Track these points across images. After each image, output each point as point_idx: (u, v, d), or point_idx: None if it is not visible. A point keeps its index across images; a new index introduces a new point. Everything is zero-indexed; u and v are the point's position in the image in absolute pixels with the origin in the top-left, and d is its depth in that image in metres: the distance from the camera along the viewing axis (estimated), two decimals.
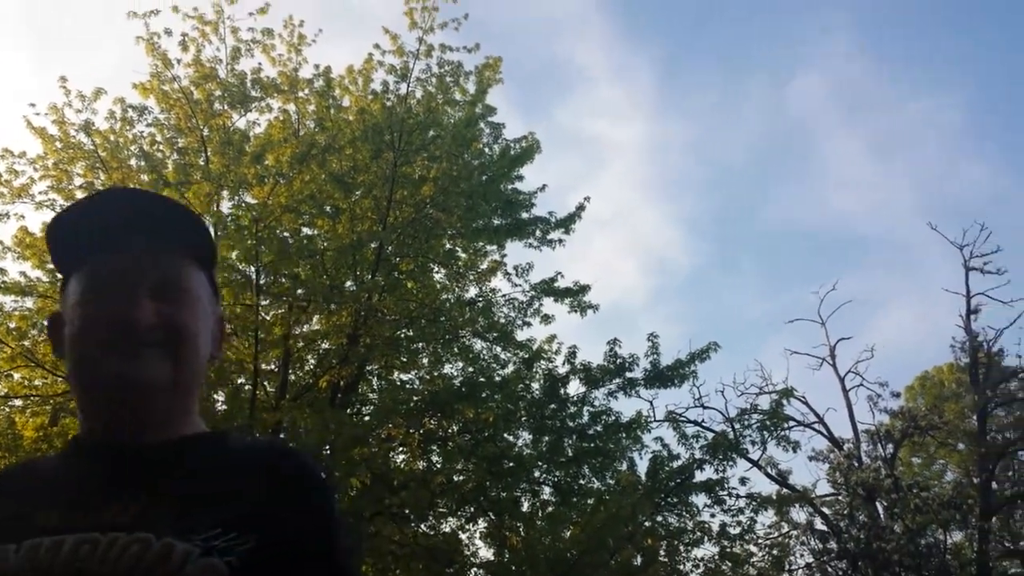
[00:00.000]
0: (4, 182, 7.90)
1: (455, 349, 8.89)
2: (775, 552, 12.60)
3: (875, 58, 33.45)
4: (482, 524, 8.73)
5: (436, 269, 9.32)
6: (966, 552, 15.64)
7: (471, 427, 8.35)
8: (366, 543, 7.48)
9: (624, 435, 8.92)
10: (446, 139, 8.86)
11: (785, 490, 14.62)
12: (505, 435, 8.52)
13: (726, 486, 9.28)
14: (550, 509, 8.75)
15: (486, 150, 9.47)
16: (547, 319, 9.28)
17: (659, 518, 9.42)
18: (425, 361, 8.99)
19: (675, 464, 9.25)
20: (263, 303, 8.06)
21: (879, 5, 32.26)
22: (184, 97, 8.32)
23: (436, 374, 8.98)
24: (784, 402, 11.76)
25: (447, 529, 8.61)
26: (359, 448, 7.55)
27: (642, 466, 9.32)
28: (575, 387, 8.96)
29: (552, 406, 8.72)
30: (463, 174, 8.80)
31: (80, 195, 8.04)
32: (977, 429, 16.17)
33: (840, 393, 17.54)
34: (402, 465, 8.54)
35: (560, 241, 9.40)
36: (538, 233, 9.35)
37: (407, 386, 8.89)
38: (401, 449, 8.48)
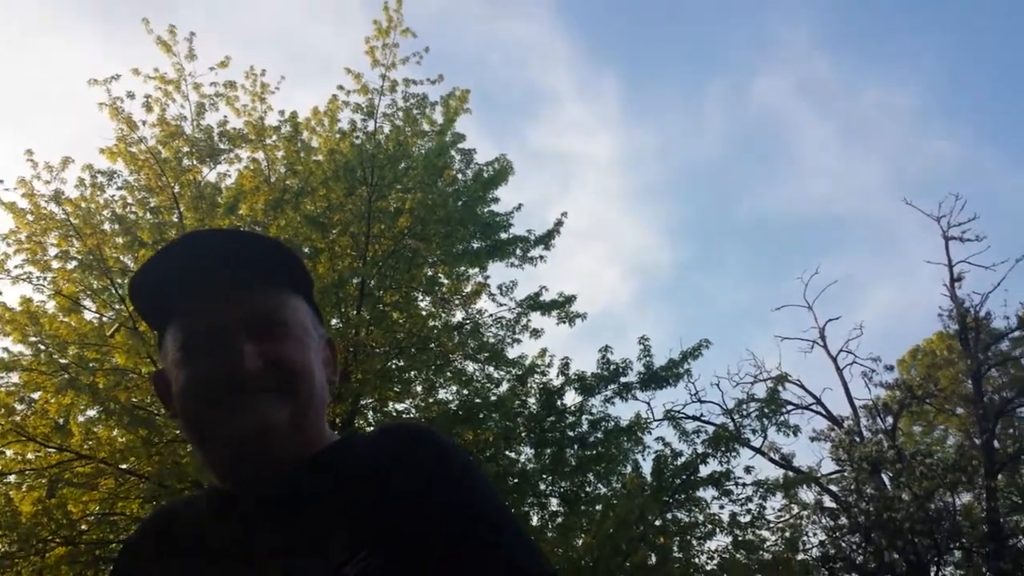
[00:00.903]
0: None
1: (448, 374, 8.90)
2: (788, 535, 12.60)
3: (835, 48, 33.83)
4: None
5: (421, 297, 9.33)
6: (976, 512, 15.76)
7: (472, 449, 8.36)
8: None
9: (625, 439, 8.95)
10: (417, 170, 8.90)
11: (791, 473, 14.67)
12: (507, 453, 8.54)
13: (732, 477, 9.33)
14: (559, 520, 8.76)
15: (459, 176, 9.52)
16: (536, 333, 9.30)
17: (669, 516, 9.45)
18: (419, 389, 9.00)
19: (679, 461, 9.29)
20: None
21: None
22: (152, 157, 8.31)
23: (431, 401, 8.98)
24: (780, 388, 11.86)
25: None
26: None
27: (646, 467, 9.36)
28: (571, 397, 9.00)
29: (550, 419, 8.74)
30: (438, 202, 8.83)
31: (56, 265, 8.03)
32: (973, 392, 16.31)
33: (834, 372, 17.71)
34: None
35: (541, 257, 9.44)
36: (519, 252, 9.38)
37: (404, 416, 8.89)
38: None
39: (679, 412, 11.35)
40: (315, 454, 1.01)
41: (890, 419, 16.53)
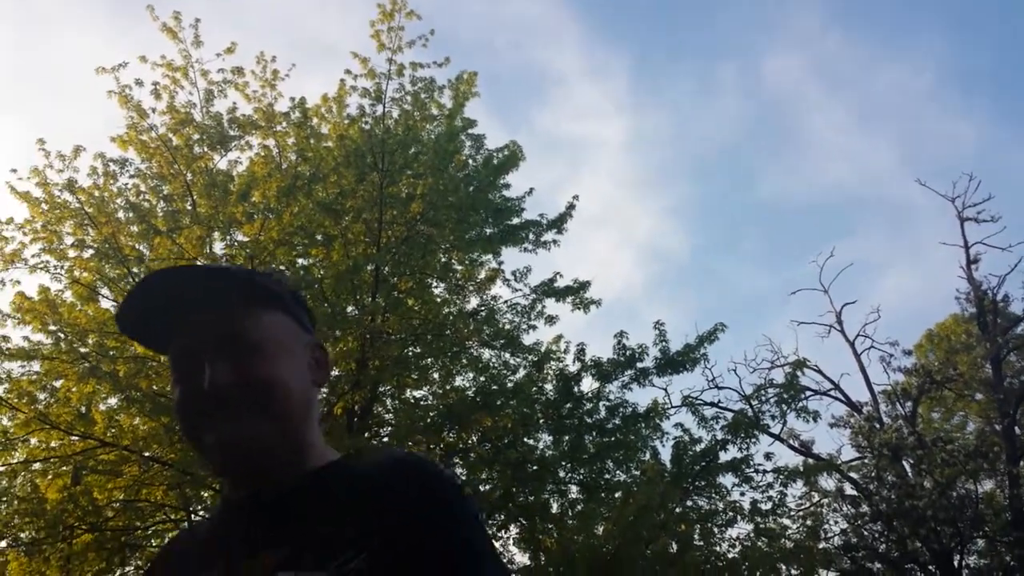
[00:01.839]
0: None
1: (464, 360, 8.88)
2: (809, 522, 12.52)
3: (847, 27, 33.59)
4: (514, 530, 8.70)
5: (435, 284, 9.32)
6: (998, 499, 15.59)
7: (490, 436, 8.33)
8: None
9: (643, 425, 8.91)
10: (428, 155, 8.88)
11: (810, 460, 14.56)
12: (525, 439, 8.50)
13: (751, 463, 9.27)
14: (579, 507, 8.71)
15: (470, 162, 9.50)
16: (551, 320, 9.28)
17: (689, 503, 9.39)
18: (436, 376, 8.98)
19: (698, 448, 9.24)
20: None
21: None
22: (163, 145, 8.34)
23: (449, 387, 8.96)
24: (798, 373, 11.76)
25: None
26: None
27: (665, 453, 9.31)
28: (588, 384, 8.96)
29: (568, 405, 8.71)
30: (450, 187, 8.82)
31: (72, 253, 8.06)
32: (992, 377, 16.14)
33: (852, 357, 17.56)
34: None
35: (554, 242, 9.42)
36: (531, 237, 9.37)
37: (422, 403, 8.87)
38: None
39: (696, 398, 11.31)
40: (317, 469, 1.10)
41: (910, 405, 16.37)
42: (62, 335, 7.62)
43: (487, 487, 8.17)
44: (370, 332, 7.85)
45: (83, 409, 7.50)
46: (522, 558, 8.97)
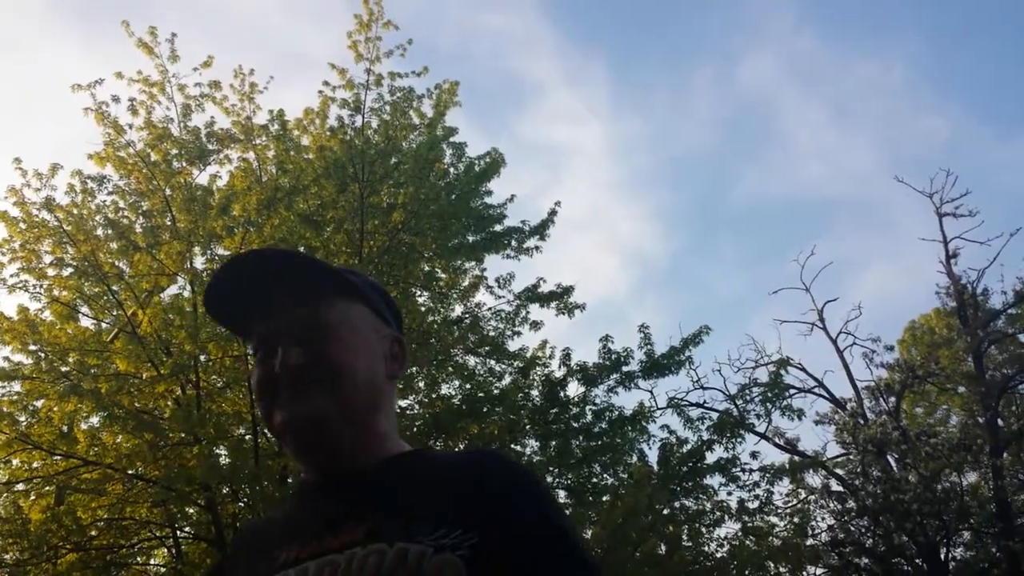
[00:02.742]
0: None
1: (449, 368, 8.89)
2: (796, 520, 12.59)
3: (820, 26, 33.83)
4: None
5: (418, 293, 9.32)
6: (983, 491, 15.74)
7: (477, 443, 8.33)
8: None
9: (630, 428, 8.94)
10: (409, 164, 8.88)
11: (796, 457, 14.63)
12: (512, 446, 8.51)
13: (738, 463, 9.31)
14: (568, 512, 8.73)
15: (451, 170, 9.50)
16: (536, 325, 9.30)
17: (677, 504, 9.43)
18: (421, 385, 8.98)
19: (685, 449, 9.28)
20: (251, 352, 8.01)
21: None
22: (141, 160, 8.30)
23: (434, 396, 8.96)
24: (782, 372, 11.83)
25: None
26: None
27: (652, 456, 9.34)
28: (574, 388, 8.99)
29: (554, 410, 8.73)
30: (431, 196, 8.82)
31: (51, 272, 8.00)
32: (974, 370, 16.30)
33: (835, 354, 17.65)
34: None
35: (537, 248, 9.44)
36: (514, 243, 9.38)
37: (408, 412, 8.86)
38: None
39: (682, 400, 11.35)
40: (394, 455, 1.13)
41: (893, 400, 16.49)
42: (42, 354, 7.56)
43: None
44: None
45: (65, 428, 7.45)
46: None
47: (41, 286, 7.92)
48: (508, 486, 1.04)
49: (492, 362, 9.13)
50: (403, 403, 9.11)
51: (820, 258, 31.75)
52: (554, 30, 35.73)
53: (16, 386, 7.46)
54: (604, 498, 8.85)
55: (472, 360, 9.05)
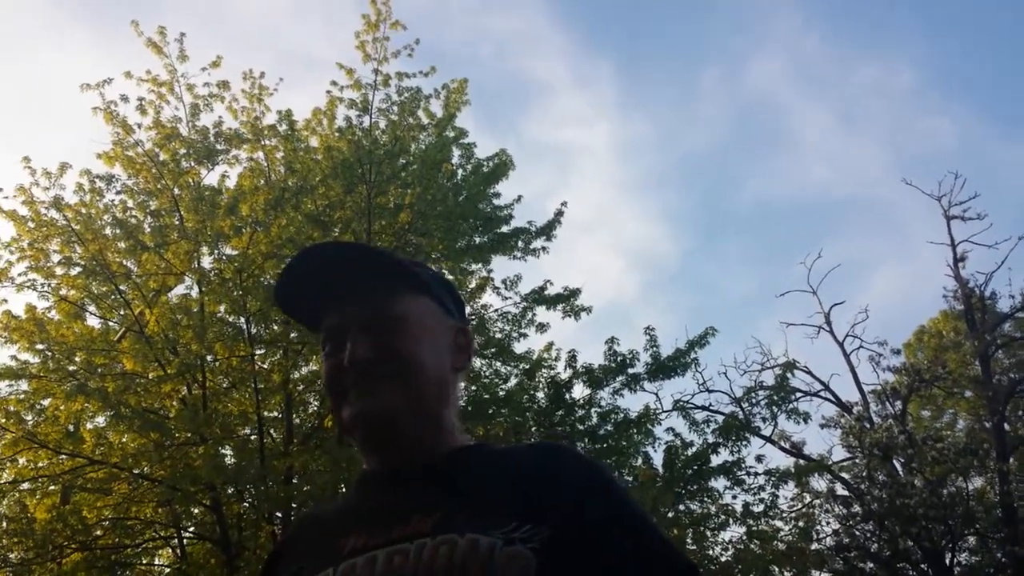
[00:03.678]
0: None
1: None
2: (801, 524, 12.55)
3: (827, 28, 33.73)
4: None
5: None
6: (989, 496, 15.67)
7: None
8: None
9: (635, 431, 8.92)
10: (417, 165, 8.87)
11: (802, 461, 14.61)
12: None
13: (743, 466, 9.31)
14: None
15: (459, 171, 9.49)
16: (542, 328, 9.29)
17: (681, 507, 9.41)
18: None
19: (690, 452, 9.27)
20: (258, 352, 8.03)
21: None
22: (149, 160, 8.31)
23: None
24: (788, 375, 11.81)
25: None
26: None
27: (657, 458, 9.33)
28: (580, 390, 8.99)
29: (560, 412, 8.72)
30: (438, 197, 8.81)
31: (59, 271, 8.02)
32: (981, 374, 16.22)
33: (841, 358, 17.58)
34: None
35: (543, 249, 9.42)
36: (520, 244, 9.36)
37: None
38: None
39: (688, 402, 11.33)
40: (459, 448, 1.12)
41: (899, 404, 16.43)
42: (50, 353, 7.58)
43: None
44: None
45: (72, 427, 7.47)
46: None
47: (49, 285, 7.94)
48: (585, 480, 1.04)
49: (498, 364, 9.13)
50: None
51: (827, 261, 31.87)
52: (561, 31, 35.72)
53: (23, 385, 7.49)
54: None
55: (478, 362, 9.04)
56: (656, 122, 35.53)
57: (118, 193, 8.44)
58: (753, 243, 35.21)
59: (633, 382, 9.07)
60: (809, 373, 17.30)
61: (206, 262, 8.30)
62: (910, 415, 17.57)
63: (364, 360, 1.08)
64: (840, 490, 15.60)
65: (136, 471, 7.44)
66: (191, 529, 8.27)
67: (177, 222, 8.25)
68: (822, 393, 17.26)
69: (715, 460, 9.16)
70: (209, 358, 7.75)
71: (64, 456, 7.33)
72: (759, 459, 9.77)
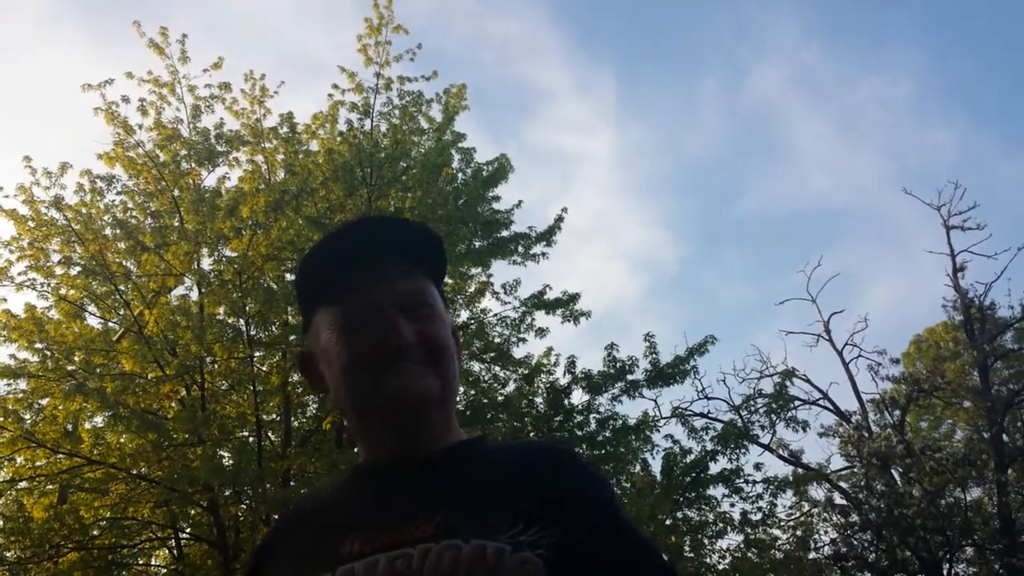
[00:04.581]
0: None
1: None
2: (799, 533, 12.53)
3: (827, 38, 33.87)
4: None
5: None
6: (987, 507, 15.65)
7: None
8: None
9: (633, 437, 8.92)
10: (417, 168, 8.89)
11: (800, 470, 14.58)
12: None
13: (741, 474, 9.30)
14: None
15: (459, 175, 9.51)
16: (541, 332, 9.28)
17: (679, 514, 9.39)
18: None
19: (688, 459, 9.26)
20: (257, 354, 8.02)
21: None
22: (150, 161, 8.32)
23: None
24: (787, 383, 11.81)
25: None
26: None
27: (656, 465, 9.32)
28: (578, 396, 8.98)
29: (558, 418, 8.71)
30: (438, 201, 8.82)
31: (59, 271, 8.02)
32: (980, 384, 16.22)
33: (840, 367, 17.58)
34: None
35: (543, 254, 9.41)
36: (520, 249, 9.36)
37: None
38: None
39: (687, 409, 11.33)
40: (459, 442, 1.10)
41: (898, 413, 16.42)
42: (48, 353, 7.58)
43: None
44: None
45: (70, 427, 7.46)
46: None
47: (49, 284, 7.94)
48: (586, 485, 1.03)
49: (497, 368, 9.12)
50: None
51: (826, 269, 31.75)
52: (562, 37, 35.88)
53: (22, 384, 7.49)
54: None
55: (477, 366, 9.04)
56: (656, 129, 35.67)
57: (118, 194, 8.47)
58: (752, 251, 35.32)
59: (632, 388, 9.06)
60: (808, 382, 17.31)
61: (206, 264, 8.31)
62: (908, 425, 17.56)
63: (409, 342, 1.05)
64: (838, 499, 15.58)
65: (134, 471, 7.42)
66: (188, 530, 8.26)
67: (177, 223, 8.26)
68: (821, 402, 17.26)
69: (713, 468, 9.16)
70: (208, 359, 7.75)
71: (62, 456, 7.32)
72: (757, 467, 9.76)
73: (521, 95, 34.12)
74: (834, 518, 15.19)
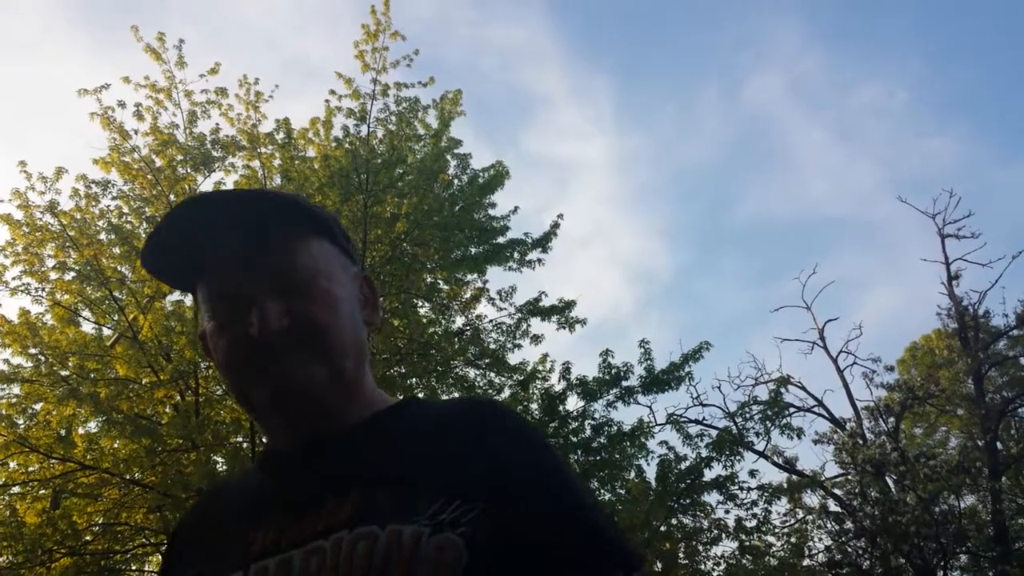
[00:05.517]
0: None
1: (450, 380, 8.87)
2: (793, 539, 12.55)
3: (824, 48, 34.03)
4: None
5: (420, 303, 9.31)
6: (981, 515, 15.68)
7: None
8: None
9: (628, 444, 8.92)
10: (413, 175, 8.89)
11: (794, 477, 14.62)
12: None
13: (736, 481, 9.31)
14: None
15: (455, 181, 9.52)
16: (536, 339, 9.29)
17: (674, 521, 9.42)
18: (421, 396, 8.96)
19: (683, 466, 9.27)
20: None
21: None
22: (146, 166, 8.31)
23: None
24: (782, 390, 11.84)
25: None
26: None
27: (650, 472, 9.34)
28: (574, 402, 8.98)
29: (553, 424, 8.71)
30: (434, 207, 8.83)
31: (53, 276, 8.00)
32: (974, 392, 16.27)
33: (835, 374, 17.63)
34: None
35: (539, 261, 9.43)
36: (516, 255, 9.37)
37: None
38: None
39: (681, 416, 11.34)
40: (377, 412, 0.99)
41: (892, 421, 16.46)
42: (42, 358, 7.56)
43: None
44: None
45: (63, 432, 7.43)
46: None
47: (43, 289, 7.92)
48: (511, 446, 0.92)
49: (492, 375, 9.12)
50: None
51: (822, 277, 32.01)
52: (560, 44, 35.96)
53: (15, 389, 7.47)
54: None
55: (472, 372, 9.05)
56: (654, 137, 35.77)
57: (114, 199, 8.43)
58: (748, 258, 35.42)
59: (627, 395, 9.07)
60: (803, 388, 17.36)
61: None
62: (903, 432, 17.60)
63: (276, 331, 0.93)
64: (833, 506, 15.60)
65: (127, 477, 7.40)
66: None
67: None
68: (815, 409, 17.31)
69: (708, 474, 9.17)
70: (203, 365, 7.73)
71: (55, 460, 7.30)
72: (752, 474, 9.79)
73: (519, 102, 34.22)
74: (828, 525, 15.21)
